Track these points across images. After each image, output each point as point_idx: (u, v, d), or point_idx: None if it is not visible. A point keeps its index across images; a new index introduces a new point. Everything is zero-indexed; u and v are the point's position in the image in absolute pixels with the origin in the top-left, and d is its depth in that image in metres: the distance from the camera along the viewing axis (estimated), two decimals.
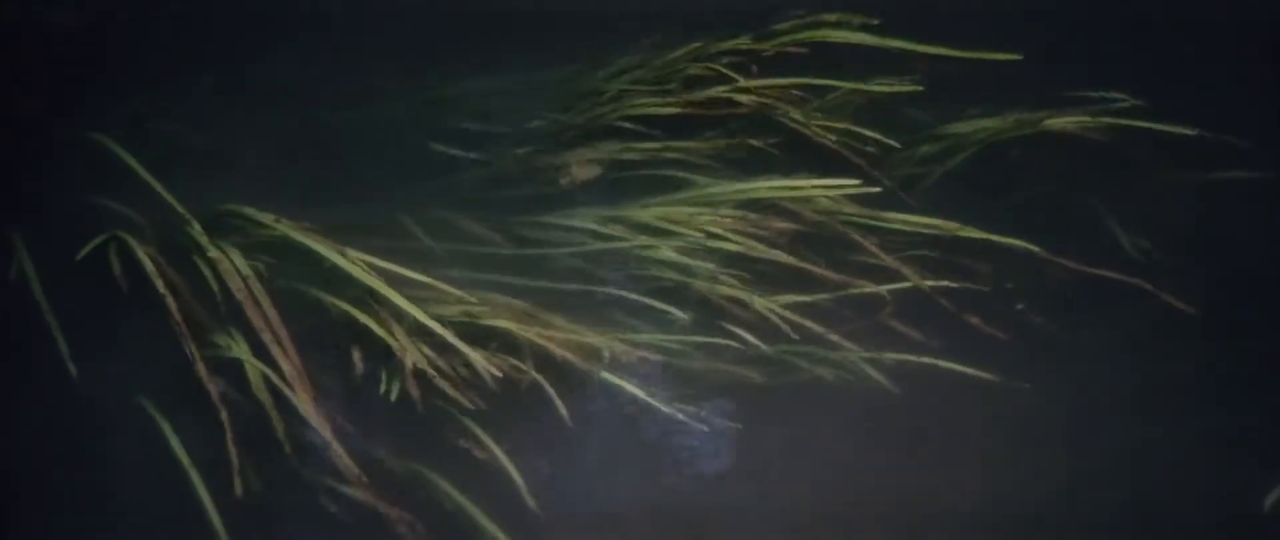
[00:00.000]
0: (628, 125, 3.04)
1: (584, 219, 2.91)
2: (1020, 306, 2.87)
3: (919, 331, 2.84)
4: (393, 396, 2.64)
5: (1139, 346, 2.83)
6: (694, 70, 3.08)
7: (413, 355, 2.64)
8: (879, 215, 2.95)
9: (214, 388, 2.58)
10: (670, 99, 3.05)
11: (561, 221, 2.92)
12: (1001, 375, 2.76)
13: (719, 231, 2.88)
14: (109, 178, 2.77)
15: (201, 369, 2.58)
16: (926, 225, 2.95)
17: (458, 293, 2.74)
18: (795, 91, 3.06)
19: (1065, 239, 2.92)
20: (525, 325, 2.70)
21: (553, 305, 2.80)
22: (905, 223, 2.95)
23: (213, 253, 2.68)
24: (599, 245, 2.88)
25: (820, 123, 3.04)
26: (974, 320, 2.87)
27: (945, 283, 2.90)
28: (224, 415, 2.55)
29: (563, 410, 2.63)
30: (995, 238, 2.93)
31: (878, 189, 2.95)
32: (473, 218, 2.94)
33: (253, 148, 3.01)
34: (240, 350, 2.65)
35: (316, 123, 3.09)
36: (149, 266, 2.62)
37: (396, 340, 2.66)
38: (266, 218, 2.74)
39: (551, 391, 2.64)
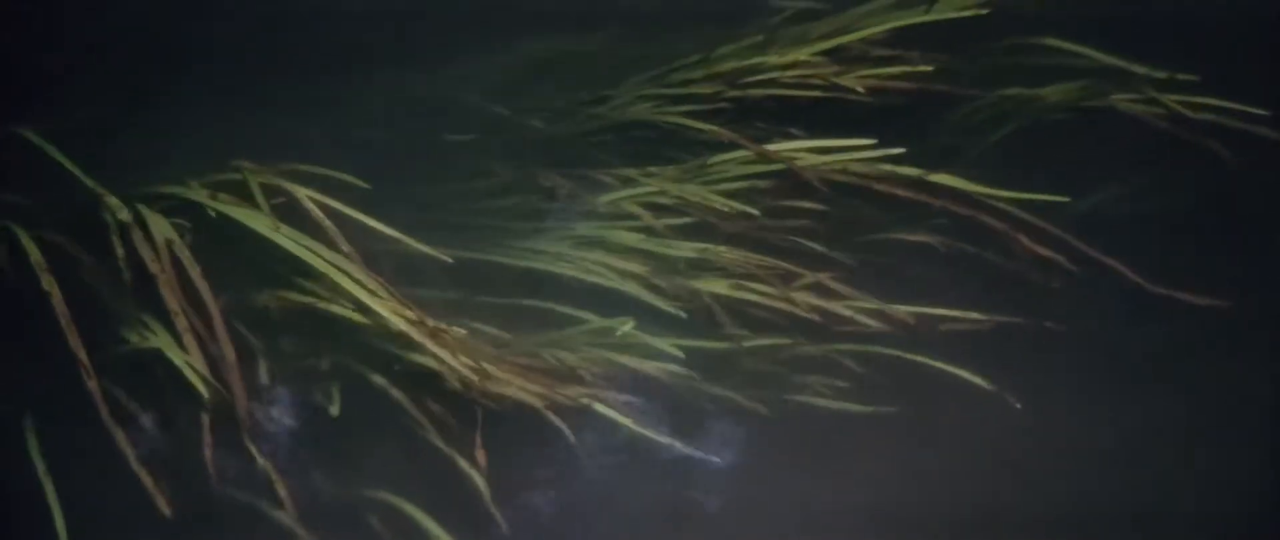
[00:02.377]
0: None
1: (559, 240, 2.64)
2: (1053, 287, 2.67)
3: (947, 336, 2.61)
4: (336, 410, 2.32)
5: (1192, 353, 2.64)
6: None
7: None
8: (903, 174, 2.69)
9: (102, 395, 2.20)
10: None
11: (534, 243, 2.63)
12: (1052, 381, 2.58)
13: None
14: (35, 176, 2.44)
15: (87, 372, 2.20)
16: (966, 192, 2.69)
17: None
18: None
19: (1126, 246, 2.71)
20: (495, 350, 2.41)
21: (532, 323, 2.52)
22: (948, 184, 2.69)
23: (124, 215, 2.30)
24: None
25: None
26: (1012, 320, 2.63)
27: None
28: (119, 435, 2.20)
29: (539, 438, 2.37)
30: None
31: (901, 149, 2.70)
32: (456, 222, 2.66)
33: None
34: (160, 340, 2.27)
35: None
36: (33, 255, 2.26)
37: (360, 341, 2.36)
38: (201, 195, 2.36)
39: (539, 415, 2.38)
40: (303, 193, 2.38)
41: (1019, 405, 2.50)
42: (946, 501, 2.42)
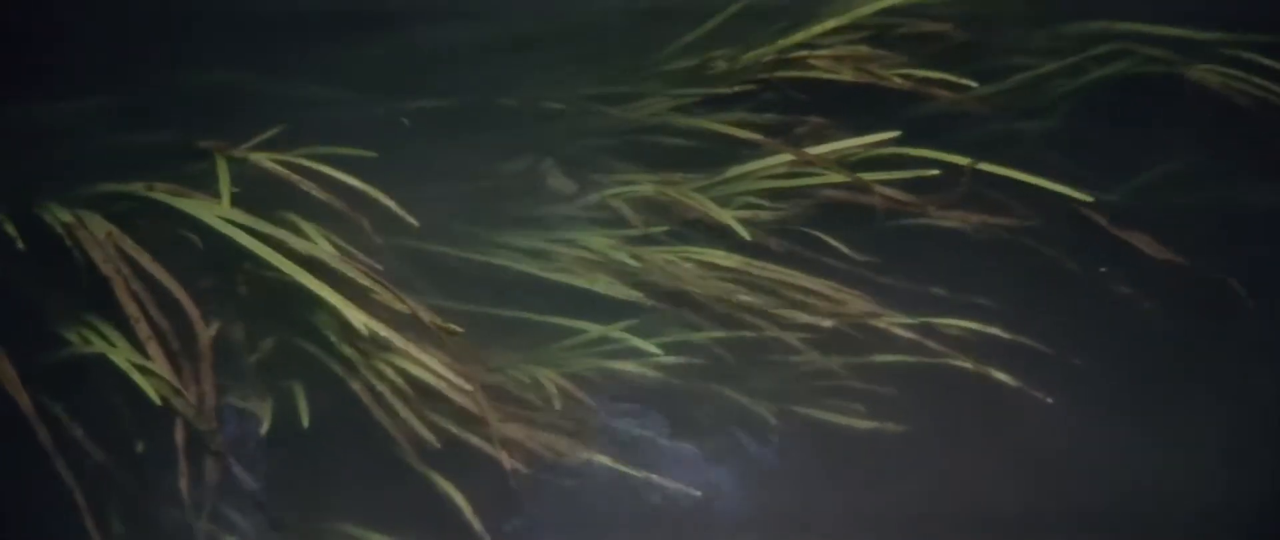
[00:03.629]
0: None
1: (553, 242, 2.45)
2: (1103, 270, 2.53)
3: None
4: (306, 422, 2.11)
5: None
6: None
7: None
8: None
9: (36, 413, 1.98)
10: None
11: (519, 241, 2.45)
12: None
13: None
14: None
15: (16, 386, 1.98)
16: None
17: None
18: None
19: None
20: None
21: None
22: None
23: (67, 218, 2.10)
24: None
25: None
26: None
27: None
28: (60, 464, 1.98)
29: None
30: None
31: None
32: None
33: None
34: (104, 343, 2.06)
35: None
36: None
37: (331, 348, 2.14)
38: (136, 187, 2.16)
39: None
40: (264, 157, 2.21)
41: (1050, 400, 2.36)
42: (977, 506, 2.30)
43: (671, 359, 2.28)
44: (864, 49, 2.58)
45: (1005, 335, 2.39)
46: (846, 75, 2.56)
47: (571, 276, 2.32)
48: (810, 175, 2.48)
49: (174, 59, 2.48)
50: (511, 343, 2.28)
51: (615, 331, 2.27)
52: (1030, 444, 2.36)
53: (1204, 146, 2.62)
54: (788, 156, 2.49)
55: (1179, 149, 2.63)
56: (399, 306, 2.14)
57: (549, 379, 2.20)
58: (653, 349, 2.25)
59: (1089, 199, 2.45)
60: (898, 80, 2.55)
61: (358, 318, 2.09)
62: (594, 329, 2.28)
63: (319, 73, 2.55)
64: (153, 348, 2.07)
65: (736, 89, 2.57)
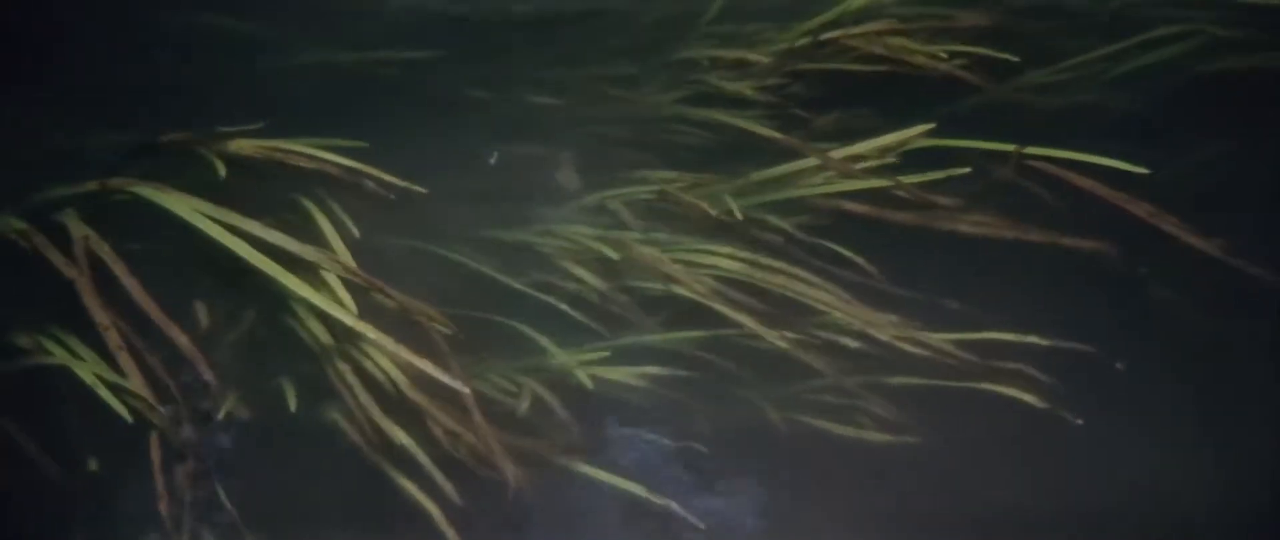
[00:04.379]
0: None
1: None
2: (1143, 270, 2.36)
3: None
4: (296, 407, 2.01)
5: None
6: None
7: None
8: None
9: None
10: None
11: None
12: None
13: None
14: None
15: None
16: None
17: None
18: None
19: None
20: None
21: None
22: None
23: (20, 226, 2.01)
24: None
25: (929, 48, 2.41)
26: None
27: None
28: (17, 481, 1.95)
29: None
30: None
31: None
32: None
33: None
34: (67, 354, 1.96)
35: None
36: None
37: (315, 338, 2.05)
38: (90, 186, 2.05)
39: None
40: (249, 145, 2.10)
41: (1080, 421, 2.21)
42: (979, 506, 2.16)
43: (661, 370, 2.17)
44: (898, 23, 2.43)
45: (1012, 337, 2.26)
46: (879, 49, 2.41)
47: (550, 295, 2.19)
48: (836, 179, 2.34)
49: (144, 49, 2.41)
50: (496, 348, 2.17)
51: (576, 360, 2.15)
52: (1031, 444, 2.22)
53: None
54: (814, 161, 2.34)
55: (1235, 137, 2.45)
56: (387, 302, 2.02)
57: (529, 386, 2.07)
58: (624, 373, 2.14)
59: (1144, 171, 2.26)
60: (942, 55, 2.40)
61: (346, 313, 1.98)
62: (560, 355, 2.16)
63: (310, 56, 2.47)
64: (124, 359, 1.98)
65: (769, 83, 2.44)
